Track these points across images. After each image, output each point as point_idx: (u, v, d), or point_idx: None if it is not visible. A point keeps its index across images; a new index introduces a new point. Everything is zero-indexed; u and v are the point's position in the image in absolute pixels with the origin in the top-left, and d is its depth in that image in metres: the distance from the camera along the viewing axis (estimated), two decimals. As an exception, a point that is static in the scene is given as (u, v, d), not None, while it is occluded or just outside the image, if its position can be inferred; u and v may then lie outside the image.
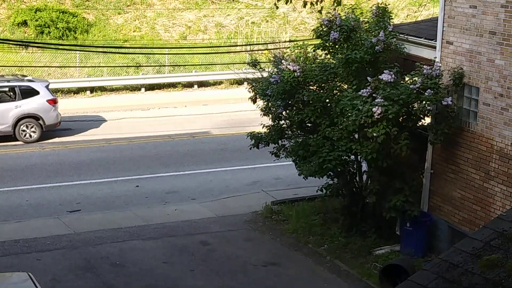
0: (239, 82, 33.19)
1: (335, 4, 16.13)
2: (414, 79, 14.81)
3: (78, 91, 31.95)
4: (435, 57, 15.34)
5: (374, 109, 14.24)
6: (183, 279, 15.10)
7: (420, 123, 15.68)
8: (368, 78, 14.98)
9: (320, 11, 16.48)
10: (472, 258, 8.00)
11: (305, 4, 15.89)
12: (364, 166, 16.68)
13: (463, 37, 14.68)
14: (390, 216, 15.38)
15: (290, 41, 30.82)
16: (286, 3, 15.91)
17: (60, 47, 30.65)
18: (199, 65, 34.50)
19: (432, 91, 14.50)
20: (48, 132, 25.53)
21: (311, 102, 16.10)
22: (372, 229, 16.50)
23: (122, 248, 16.56)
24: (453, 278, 7.81)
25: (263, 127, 17.67)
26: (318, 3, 16.03)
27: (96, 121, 27.96)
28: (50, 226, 17.77)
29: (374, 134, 14.44)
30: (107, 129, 26.64)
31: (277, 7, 16.89)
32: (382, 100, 14.33)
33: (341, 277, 15.32)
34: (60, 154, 23.81)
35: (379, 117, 14.27)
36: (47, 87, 25.64)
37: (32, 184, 21.00)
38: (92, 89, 32.08)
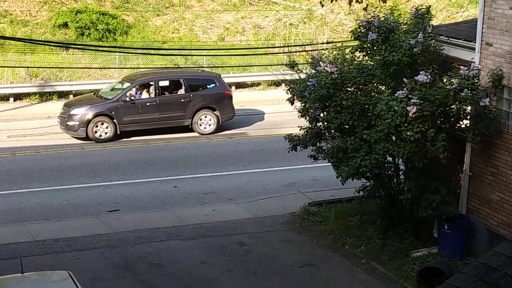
0: (277, 84, 33.23)
1: (381, 1, 16.20)
2: (451, 80, 14.73)
3: (118, 92, 32.22)
4: (472, 58, 15.23)
5: (408, 108, 14.20)
6: (220, 280, 15.20)
7: (458, 126, 15.57)
8: (404, 80, 14.93)
9: (365, 9, 16.54)
10: (511, 262, 7.95)
11: (350, 1, 15.99)
12: (402, 168, 16.59)
13: (503, 39, 14.54)
14: (427, 215, 15.23)
15: (327, 42, 30.82)
16: (331, 2, 16.08)
17: (100, 48, 30.98)
18: (237, 66, 34.58)
19: (469, 91, 14.41)
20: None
21: (349, 104, 16.07)
22: (409, 231, 16.42)
23: (160, 248, 16.71)
24: (492, 281, 7.77)
25: (300, 129, 17.68)
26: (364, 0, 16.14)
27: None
28: (90, 226, 18.00)
29: (408, 133, 14.39)
30: (147, 130, 26.79)
31: (323, 5, 17.09)
32: (417, 100, 14.28)
33: (378, 279, 15.28)
34: (99, 155, 24.10)
35: (414, 116, 14.22)
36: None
37: (72, 184, 21.31)
38: (131, 90, 32.32)
